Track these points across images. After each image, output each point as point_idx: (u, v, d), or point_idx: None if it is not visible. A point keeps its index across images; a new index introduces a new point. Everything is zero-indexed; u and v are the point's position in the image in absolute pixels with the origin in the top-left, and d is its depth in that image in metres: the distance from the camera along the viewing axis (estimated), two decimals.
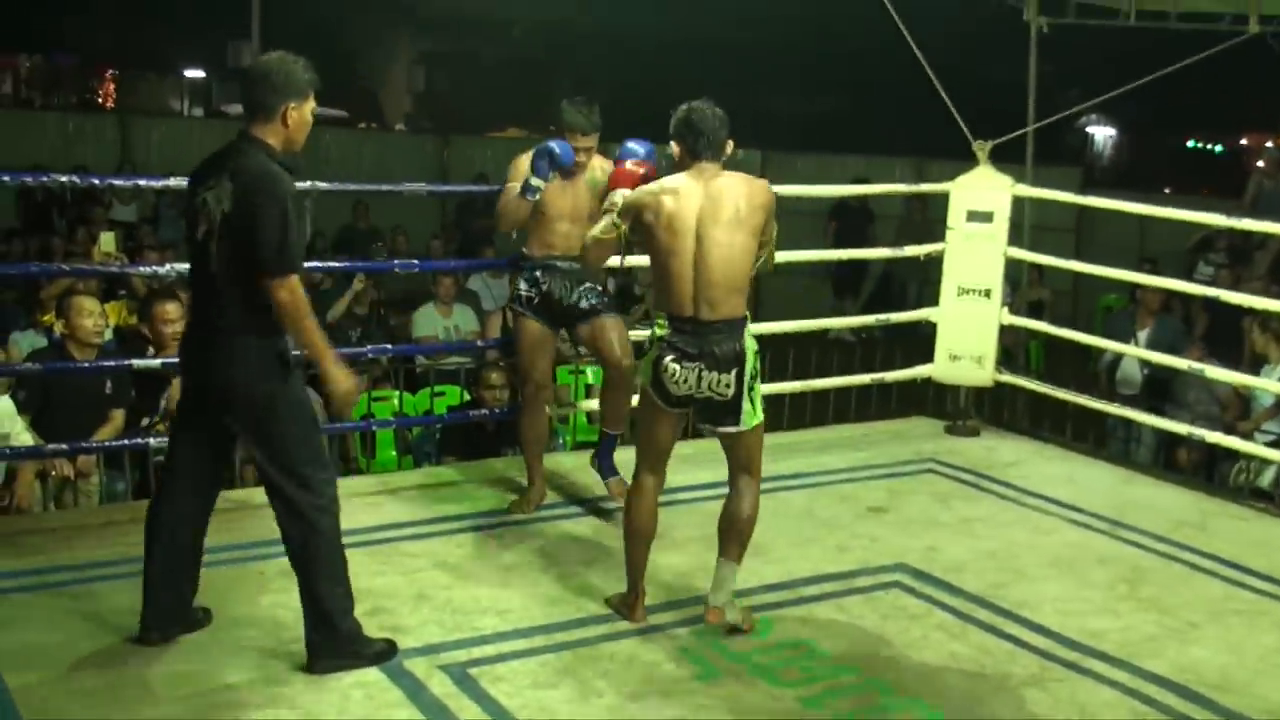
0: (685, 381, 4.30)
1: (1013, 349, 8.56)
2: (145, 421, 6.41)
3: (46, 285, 8.22)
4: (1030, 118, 7.91)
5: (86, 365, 6.08)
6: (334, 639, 4.05)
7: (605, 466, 5.66)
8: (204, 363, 4.00)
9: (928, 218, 13.31)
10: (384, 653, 4.14)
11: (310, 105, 4.02)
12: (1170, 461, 7.97)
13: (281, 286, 3.81)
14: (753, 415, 4.39)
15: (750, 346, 4.37)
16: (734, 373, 4.29)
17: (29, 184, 10.39)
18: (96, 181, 6.88)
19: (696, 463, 5.87)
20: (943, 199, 7.28)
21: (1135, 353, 8.26)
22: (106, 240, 9.73)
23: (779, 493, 6.02)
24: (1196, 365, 6.83)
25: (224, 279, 3.88)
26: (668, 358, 4.31)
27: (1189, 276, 11.48)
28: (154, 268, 6.87)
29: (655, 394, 4.40)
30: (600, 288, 5.58)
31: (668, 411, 4.44)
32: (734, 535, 4.46)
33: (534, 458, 5.68)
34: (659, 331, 4.37)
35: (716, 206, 4.30)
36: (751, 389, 4.36)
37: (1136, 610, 4.84)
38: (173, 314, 6.47)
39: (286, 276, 3.82)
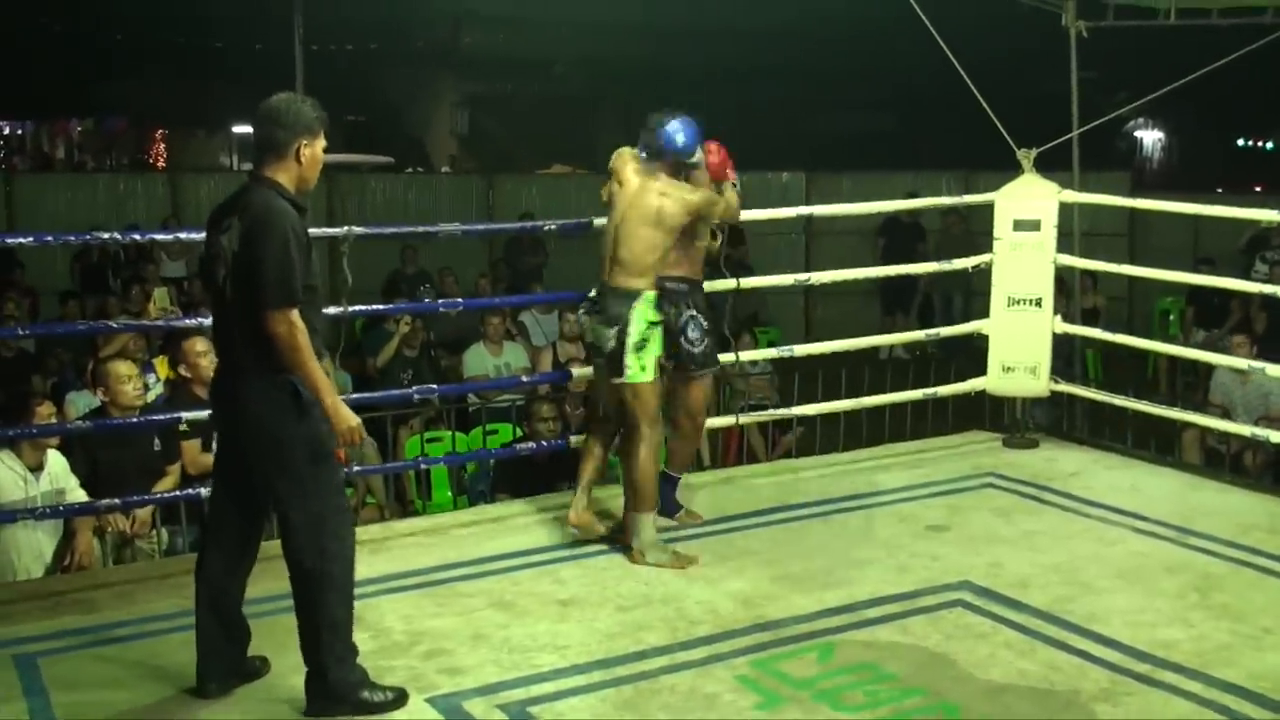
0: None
1: (1069, 357, 8.44)
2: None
3: (104, 345, 8.31)
4: (1074, 123, 7.82)
5: (135, 421, 6.08)
6: (323, 687, 3.98)
7: (668, 504, 5.71)
8: (226, 403, 4.03)
9: (969, 230, 13.21)
10: (386, 704, 4.03)
11: (321, 142, 4.05)
12: (1236, 465, 7.81)
13: (278, 319, 3.79)
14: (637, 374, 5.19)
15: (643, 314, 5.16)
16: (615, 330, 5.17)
17: (73, 243, 10.51)
18: (138, 237, 6.95)
19: (751, 491, 5.83)
20: (986, 211, 7.20)
21: (1188, 354, 8.12)
22: (160, 296, 9.88)
23: (836, 515, 5.97)
24: (1257, 364, 6.69)
25: (237, 317, 3.89)
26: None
27: (1245, 276, 11.30)
28: (208, 320, 6.90)
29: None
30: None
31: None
32: (627, 488, 5.33)
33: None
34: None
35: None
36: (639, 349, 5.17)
37: (1208, 618, 4.72)
38: (201, 346, 6.52)
39: (284, 309, 3.79)
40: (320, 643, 3.97)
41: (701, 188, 5.43)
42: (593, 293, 5.39)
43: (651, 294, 5.24)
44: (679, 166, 5.35)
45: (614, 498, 5.90)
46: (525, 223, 9.85)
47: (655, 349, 5.26)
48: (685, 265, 5.57)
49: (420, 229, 8.78)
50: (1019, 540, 5.59)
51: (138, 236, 7.08)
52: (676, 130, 5.25)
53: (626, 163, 5.39)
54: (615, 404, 5.46)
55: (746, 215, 6.74)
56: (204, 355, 6.50)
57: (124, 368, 6.29)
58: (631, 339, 5.17)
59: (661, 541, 5.30)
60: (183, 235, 6.76)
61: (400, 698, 4.08)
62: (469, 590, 5.05)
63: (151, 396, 7.20)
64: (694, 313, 5.58)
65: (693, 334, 5.55)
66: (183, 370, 6.60)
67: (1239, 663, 4.34)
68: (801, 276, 7.97)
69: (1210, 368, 8.58)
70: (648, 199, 5.21)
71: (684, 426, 5.76)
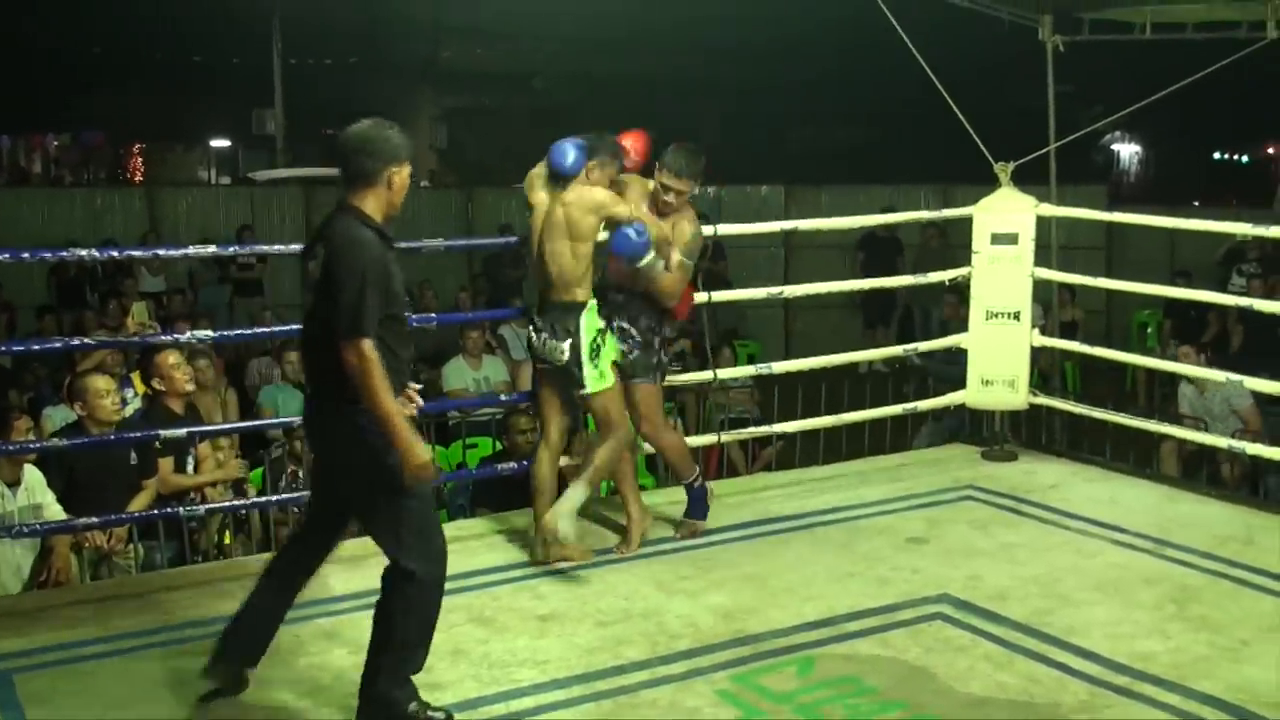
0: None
1: (1048, 371, 8.47)
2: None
3: (80, 360, 8.27)
4: (1051, 137, 7.86)
5: (111, 438, 6.06)
6: (373, 700, 3.97)
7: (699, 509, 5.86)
8: (311, 428, 4.14)
9: (947, 244, 13.27)
10: None
11: (408, 168, 4.08)
12: (1213, 477, 7.84)
13: (350, 349, 3.80)
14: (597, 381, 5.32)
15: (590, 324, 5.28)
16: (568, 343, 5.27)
17: (49, 259, 10.48)
18: (116, 254, 6.90)
19: (731, 504, 5.81)
20: (964, 224, 7.23)
21: (1161, 365, 8.16)
22: (139, 311, 9.84)
23: (816, 528, 5.97)
24: (1235, 377, 6.71)
25: (322, 345, 3.90)
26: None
27: (1222, 289, 11.37)
28: (184, 335, 6.88)
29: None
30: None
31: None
32: (585, 464, 5.40)
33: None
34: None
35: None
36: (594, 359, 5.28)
37: (1186, 630, 4.74)
38: (173, 359, 6.51)
39: (355, 339, 3.79)
40: (381, 666, 3.97)
41: (629, 196, 5.46)
42: (534, 307, 5.49)
43: (593, 302, 5.35)
44: (614, 182, 5.44)
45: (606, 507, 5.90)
46: (508, 237, 9.83)
47: (609, 354, 5.39)
48: (629, 277, 5.52)
49: (401, 244, 8.73)
50: (998, 553, 5.60)
51: (115, 253, 7.02)
52: (563, 150, 5.32)
53: (534, 186, 5.47)
54: (564, 417, 5.59)
55: (726, 230, 6.72)
56: (176, 368, 6.49)
57: (101, 382, 6.26)
58: (584, 349, 5.29)
59: (575, 520, 5.34)
60: (160, 251, 6.75)
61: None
62: (448, 605, 4.94)
63: (129, 411, 7.16)
64: (623, 324, 5.59)
65: (620, 345, 5.56)
66: (156, 384, 6.57)
67: (1217, 675, 4.35)
68: (775, 290, 7.96)
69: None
70: (556, 213, 5.32)
71: (644, 432, 5.77)
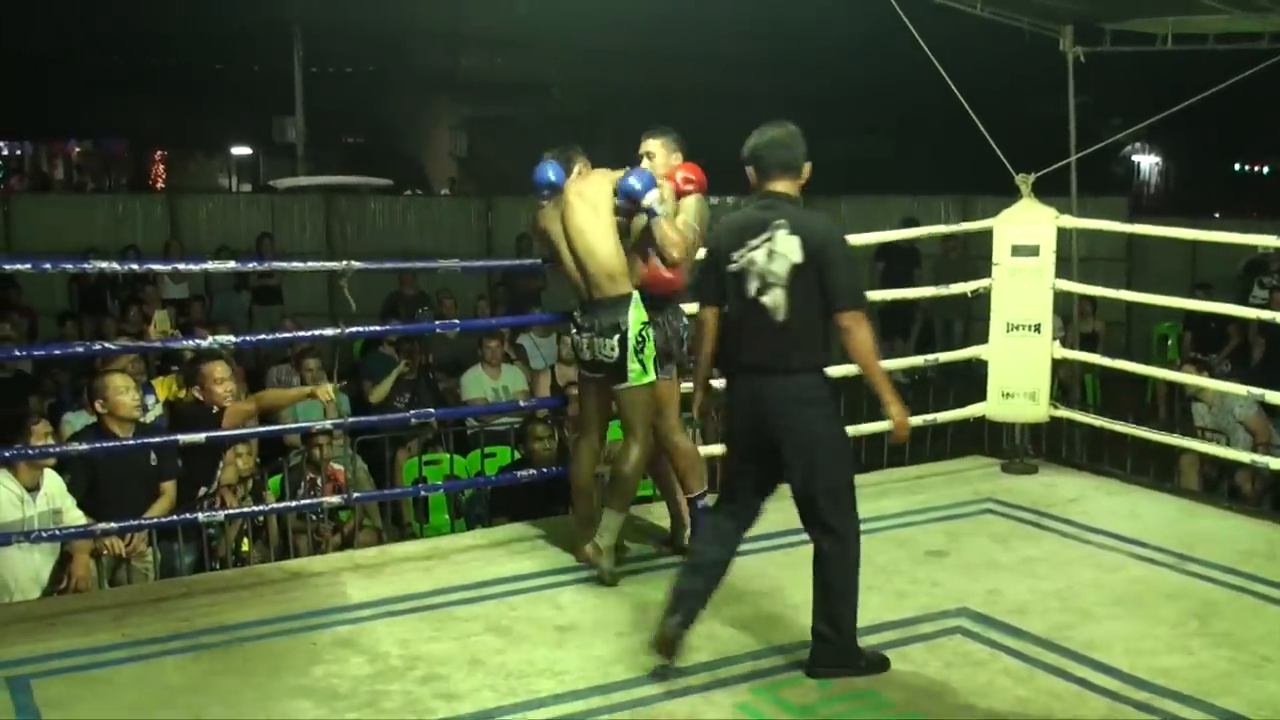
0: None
1: (1068, 383, 8.43)
2: (202, 492, 6.43)
3: (101, 367, 8.30)
4: (1072, 148, 7.84)
5: (132, 442, 6.09)
6: (829, 649, 4.41)
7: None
8: (762, 401, 4.39)
9: (968, 255, 13.23)
10: (877, 663, 4.47)
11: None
12: (1233, 491, 7.79)
13: (854, 318, 4.29)
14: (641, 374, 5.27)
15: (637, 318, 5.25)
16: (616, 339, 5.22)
17: (69, 270, 10.53)
18: (136, 266, 6.94)
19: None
20: (985, 236, 7.21)
21: (1181, 378, 8.12)
22: (161, 318, 9.90)
23: None
24: (1256, 391, 6.67)
25: (791, 324, 4.33)
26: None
27: (1243, 301, 11.30)
28: (204, 341, 6.91)
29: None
30: None
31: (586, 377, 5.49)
32: (610, 485, 5.37)
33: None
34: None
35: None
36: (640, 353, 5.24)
37: (1208, 646, 4.70)
38: (220, 373, 6.56)
39: (859, 309, 4.31)
40: (840, 612, 4.41)
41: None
42: (578, 313, 5.41)
43: (637, 294, 5.32)
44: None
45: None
46: (522, 259, 9.90)
47: (652, 348, 5.33)
48: (650, 278, 5.52)
49: (419, 264, 8.83)
50: (1018, 566, 5.57)
51: (135, 266, 7.07)
52: (543, 170, 5.40)
53: (541, 219, 5.52)
54: (608, 420, 5.57)
55: None
56: (221, 382, 6.52)
57: (121, 380, 6.30)
58: (631, 342, 5.23)
59: (614, 556, 5.35)
60: (181, 266, 6.77)
61: (884, 661, 4.49)
62: (466, 615, 5.03)
63: (150, 417, 7.19)
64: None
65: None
66: (196, 393, 6.62)
67: (1239, 691, 4.32)
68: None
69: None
70: (572, 206, 5.34)
71: (658, 428, 5.61)
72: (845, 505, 4.47)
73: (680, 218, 5.45)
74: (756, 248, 4.36)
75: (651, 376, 5.31)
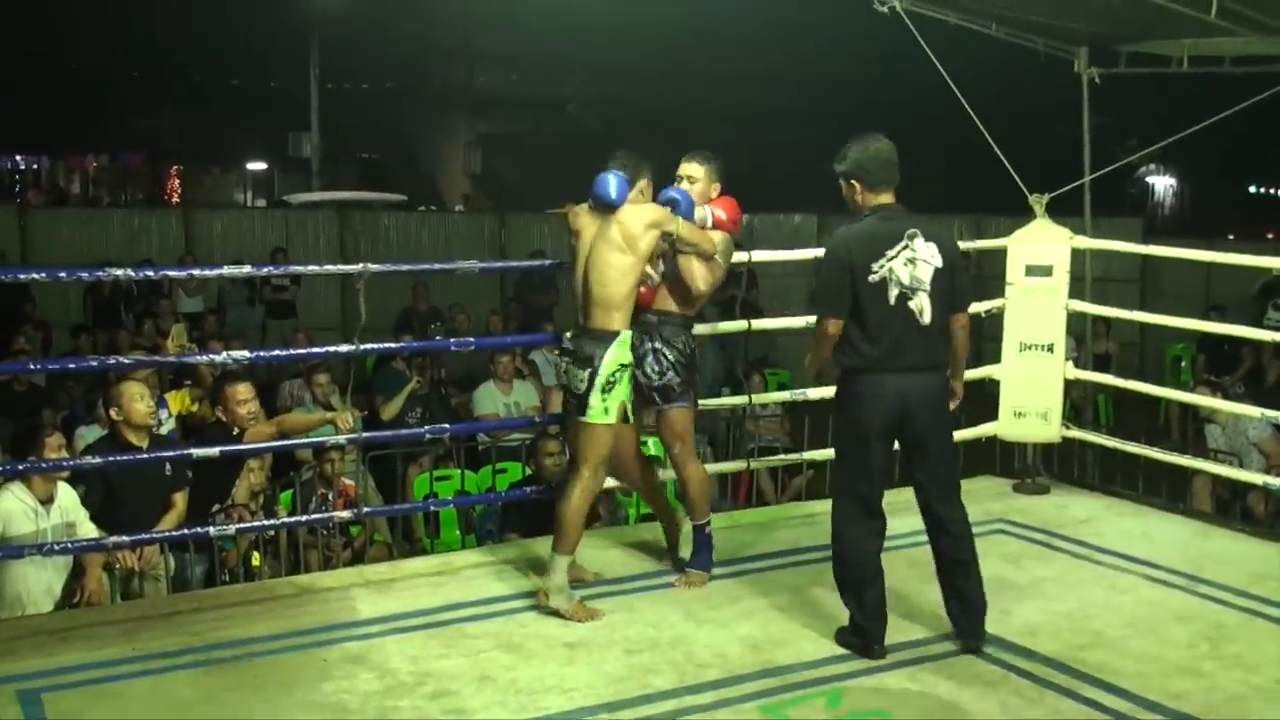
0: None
1: (1081, 403, 8.42)
2: (216, 508, 6.44)
3: (115, 380, 8.33)
4: (1087, 169, 7.83)
5: (146, 455, 6.11)
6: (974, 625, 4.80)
7: (703, 559, 5.66)
8: (912, 398, 4.69)
9: (981, 274, 13.22)
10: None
11: None
12: (1246, 513, 7.76)
13: (967, 321, 4.92)
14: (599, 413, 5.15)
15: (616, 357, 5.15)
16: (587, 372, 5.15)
17: (85, 279, 10.60)
18: (151, 274, 6.96)
19: (763, 530, 5.77)
20: (998, 256, 7.21)
21: (1194, 399, 8.09)
22: (178, 333, 9.96)
23: None
24: (1270, 413, 6.65)
25: (934, 325, 4.69)
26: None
27: (1257, 324, 11.28)
28: (218, 356, 6.95)
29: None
30: None
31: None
32: (555, 527, 5.23)
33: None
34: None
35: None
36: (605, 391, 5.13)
37: (1220, 669, 4.68)
38: (244, 394, 6.58)
39: (969, 309, 4.98)
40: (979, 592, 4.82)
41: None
42: (568, 335, 5.34)
43: (627, 335, 5.19)
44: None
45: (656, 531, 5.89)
46: (541, 261, 9.87)
47: (622, 393, 5.18)
48: (672, 300, 5.51)
49: (436, 265, 8.80)
50: (1029, 587, 5.56)
51: (150, 273, 7.09)
52: (605, 181, 5.20)
53: (578, 214, 5.34)
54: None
55: (760, 256, 6.78)
56: (244, 404, 6.54)
57: (136, 387, 6.33)
58: (600, 380, 5.12)
59: (570, 590, 5.19)
60: (196, 271, 6.78)
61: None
62: (476, 631, 5.03)
63: (164, 430, 7.21)
64: (657, 345, 5.50)
65: (651, 367, 5.48)
66: (219, 413, 6.64)
67: (1251, 714, 4.30)
68: (811, 318, 7.92)
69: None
70: (610, 229, 5.16)
71: (675, 455, 5.63)
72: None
73: (717, 235, 5.45)
74: (894, 257, 4.64)
75: (612, 420, 5.16)
